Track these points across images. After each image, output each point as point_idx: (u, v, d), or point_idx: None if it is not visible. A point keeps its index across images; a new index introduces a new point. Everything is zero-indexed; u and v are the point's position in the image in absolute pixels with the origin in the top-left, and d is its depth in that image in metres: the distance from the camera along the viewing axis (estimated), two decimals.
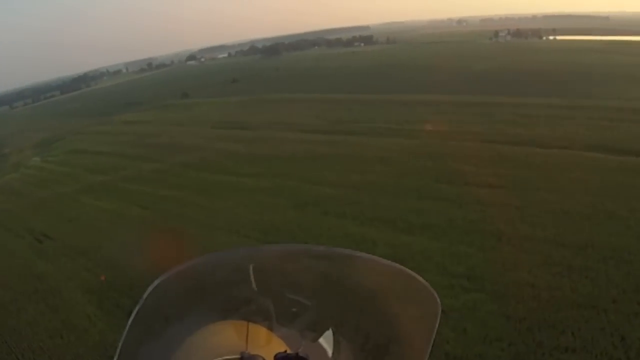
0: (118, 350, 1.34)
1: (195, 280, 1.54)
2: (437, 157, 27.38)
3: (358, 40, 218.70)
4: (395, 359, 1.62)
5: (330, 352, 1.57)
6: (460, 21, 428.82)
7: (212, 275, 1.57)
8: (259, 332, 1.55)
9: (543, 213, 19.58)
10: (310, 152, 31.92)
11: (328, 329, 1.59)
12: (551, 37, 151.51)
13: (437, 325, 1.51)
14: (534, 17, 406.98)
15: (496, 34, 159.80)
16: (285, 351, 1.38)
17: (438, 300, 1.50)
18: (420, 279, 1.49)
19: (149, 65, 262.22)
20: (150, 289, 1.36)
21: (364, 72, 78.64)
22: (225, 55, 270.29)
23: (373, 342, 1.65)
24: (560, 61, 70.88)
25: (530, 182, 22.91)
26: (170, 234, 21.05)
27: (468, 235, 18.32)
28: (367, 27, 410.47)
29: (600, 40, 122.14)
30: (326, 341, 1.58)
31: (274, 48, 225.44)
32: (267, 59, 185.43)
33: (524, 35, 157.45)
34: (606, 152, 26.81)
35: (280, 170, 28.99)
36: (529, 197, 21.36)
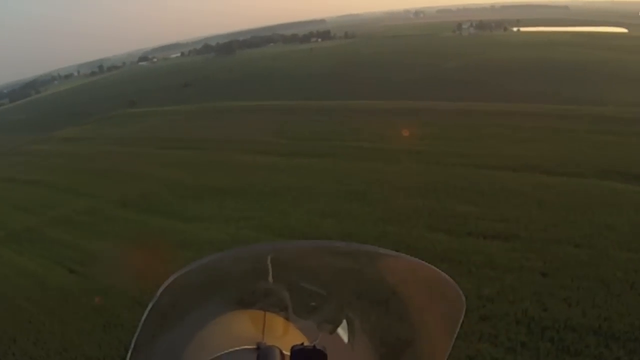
0: (133, 343, 1.35)
1: (210, 275, 1.51)
2: (426, 190, 22.91)
3: (315, 36, 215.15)
4: (415, 354, 1.60)
5: (347, 344, 1.55)
6: (417, 12, 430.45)
7: (228, 269, 1.55)
8: (276, 322, 1.54)
9: (580, 286, 15.18)
10: (270, 183, 27.02)
11: (346, 322, 1.57)
12: (515, 29, 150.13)
13: (460, 324, 1.48)
14: (492, 7, 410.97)
15: (459, 26, 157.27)
16: (302, 343, 1.31)
17: (463, 297, 1.47)
18: (445, 275, 1.46)
19: (100, 67, 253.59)
20: (164, 285, 1.36)
21: (325, 73, 74.10)
22: (178, 54, 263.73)
23: (392, 337, 1.63)
24: (533, 57, 68.06)
25: (549, 230, 18.64)
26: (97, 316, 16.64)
27: (487, 325, 13.75)
28: (323, 21, 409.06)
29: (567, 32, 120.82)
30: (344, 334, 1.56)
31: (228, 46, 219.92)
32: (221, 58, 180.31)
33: (488, 27, 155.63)
34: (625, 180, 22.98)
35: (234, 211, 24.00)
36: (552, 255, 17.06)
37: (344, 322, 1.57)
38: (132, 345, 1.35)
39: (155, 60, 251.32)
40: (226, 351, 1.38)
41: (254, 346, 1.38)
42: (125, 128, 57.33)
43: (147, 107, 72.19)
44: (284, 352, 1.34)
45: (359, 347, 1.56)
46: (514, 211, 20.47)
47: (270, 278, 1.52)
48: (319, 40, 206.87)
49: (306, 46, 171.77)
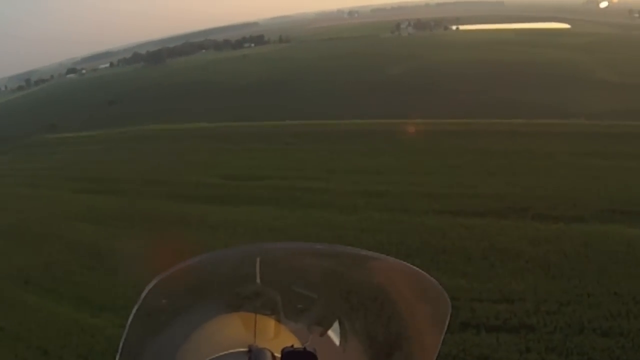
0: (120, 347, 1.36)
1: (198, 276, 1.53)
2: (397, 255, 18.08)
3: (248, 41, 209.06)
4: (404, 355, 1.62)
5: (338, 346, 1.59)
6: (351, 12, 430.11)
7: (216, 270, 1.57)
8: (267, 324, 1.56)
9: None
10: (200, 245, 21.65)
11: (336, 324, 1.60)
12: (455, 28, 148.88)
13: (446, 325, 1.51)
14: (427, 5, 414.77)
15: (398, 26, 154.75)
16: (293, 345, 1.36)
17: (448, 300, 1.50)
18: (430, 278, 1.48)
19: (27, 81, 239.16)
20: (149, 286, 1.36)
21: (261, 85, 68.88)
22: (107, 65, 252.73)
23: (381, 339, 1.65)
24: (482, 59, 65.27)
25: (566, 312, 14.52)
26: None
27: None
28: (256, 24, 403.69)
29: (509, 30, 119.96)
30: (334, 336, 1.59)
31: (158, 54, 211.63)
32: (150, 68, 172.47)
33: (427, 26, 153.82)
34: (634, 222, 19.28)
35: None
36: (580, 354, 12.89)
37: (335, 324, 1.59)
38: (120, 350, 1.34)
39: (84, 71, 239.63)
40: (218, 354, 1.40)
41: (246, 349, 1.41)
42: (40, 162, 49.70)
43: (66, 133, 65.21)
44: (275, 354, 1.37)
45: (349, 349, 1.59)
46: (516, 284, 16.15)
47: (259, 278, 1.52)
48: (253, 45, 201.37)
49: (240, 52, 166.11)
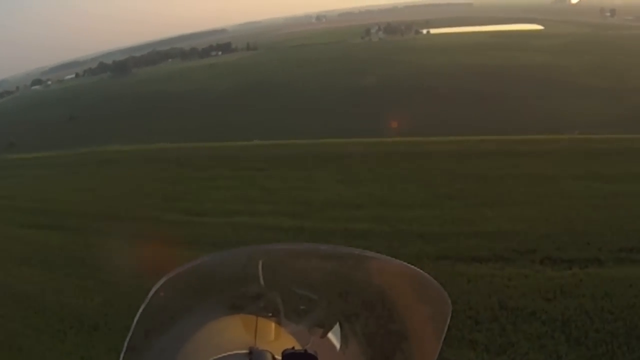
0: (125, 345, 1.41)
1: (202, 277, 1.58)
2: None
3: (215, 49, 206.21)
4: (404, 357, 1.66)
5: (339, 348, 1.62)
6: (319, 17, 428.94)
7: (219, 272, 1.62)
8: (268, 326, 1.60)
9: None
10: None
11: (336, 326, 1.63)
12: (425, 31, 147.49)
13: (446, 326, 1.55)
14: (395, 8, 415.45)
15: (368, 31, 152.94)
16: (293, 347, 1.39)
17: (448, 301, 1.54)
18: (431, 278, 1.53)
19: None
20: (157, 286, 1.41)
21: (227, 99, 65.90)
22: (73, 76, 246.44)
23: (381, 340, 1.69)
24: (459, 63, 63.26)
25: None
26: None
27: None
28: (224, 30, 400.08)
29: (482, 32, 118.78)
30: (335, 337, 1.62)
31: (124, 65, 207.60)
32: (116, 79, 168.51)
33: (398, 30, 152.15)
34: None
35: None
36: None
37: (335, 326, 1.62)
38: (125, 348, 1.39)
39: (49, 83, 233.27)
40: (218, 356, 1.43)
41: (246, 350, 1.44)
42: None
43: (24, 153, 61.60)
44: (276, 356, 1.40)
45: (349, 351, 1.62)
46: (534, 354, 13.39)
47: (261, 280, 1.56)
48: (220, 53, 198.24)
49: (207, 61, 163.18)
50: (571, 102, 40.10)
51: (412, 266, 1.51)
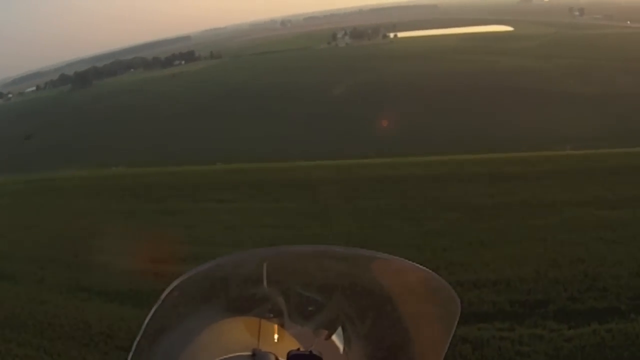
0: (134, 346, 1.43)
1: (212, 280, 1.60)
2: None
3: (178, 58, 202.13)
4: (410, 357, 1.68)
5: (343, 350, 1.63)
6: (284, 22, 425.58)
7: (226, 275, 1.62)
8: (272, 329, 1.62)
9: None
10: None
11: (341, 327, 1.64)
12: (392, 35, 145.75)
13: (455, 325, 1.56)
14: (360, 11, 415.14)
15: (334, 36, 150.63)
16: (298, 349, 1.43)
17: (458, 300, 1.55)
18: (439, 278, 1.55)
19: None
20: (169, 289, 1.45)
21: (188, 114, 62.43)
22: (34, 88, 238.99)
23: (388, 342, 1.70)
24: (434, 72, 60.93)
25: None
26: None
27: None
28: (188, 37, 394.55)
29: (450, 35, 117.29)
30: (339, 339, 1.63)
31: (85, 76, 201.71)
32: (76, 91, 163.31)
33: (365, 34, 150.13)
34: None
35: None
36: None
37: (340, 328, 1.63)
38: (133, 349, 1.41)
39: (10, 96, 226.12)
40: (222, 357, 1.45)
41: (250, 352, 1.45)
42: None
43: None
44: (280, 358, 1.42)
45: (354, 353, 1.63)
46: None
47: (265, 284, 1.58)
48: (183, 62, 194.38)
49: (170, 71, 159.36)
50: (556, 112, 38.06)
51: (420, 265, 1.51)
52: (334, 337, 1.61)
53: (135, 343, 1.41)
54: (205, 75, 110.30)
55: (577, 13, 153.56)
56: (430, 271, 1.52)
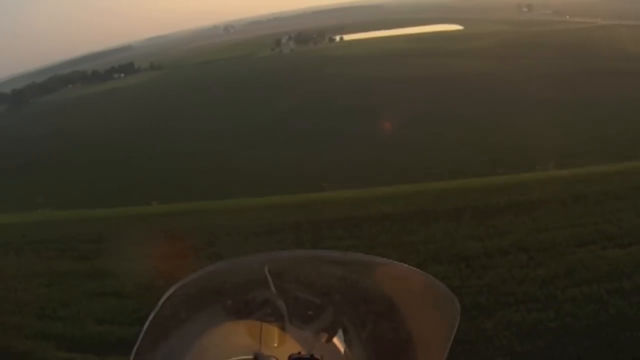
0: (134, 352, 1.43)
1: (211, 285, 1.63)
2: None
3: (117, 70, 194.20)
4: None
5: (344, 353, 1.64)
6: (227, 28, 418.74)
7: (226, 279, 1.66)
8: (273, 332, 1.62)
9: None
10: None
11: (342, 331, 1.65)
12: (338, 38, 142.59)
13: (454, 330, 1.57)
14: (305, 14, 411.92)
15: (278, 42, 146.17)
16: (299, 352, 1.44)
17: (458, 305, 1.57)
18: (440, 284, 1.56)
19: None
20: (167, 294, 1.47)
21: (122, 139, 57.01)
22: None
23: (388, 346, 1.71)
24: (382, 77, 57.63)
25: None
26: None
27: None
28: (129, 47, 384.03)
29: (398, 36, 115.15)
30: (340, 343, 1.64)
31: (22, 94, 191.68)
32: (13, 110, 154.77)
33: (309, 39, 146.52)
34: None
35: None
36: None
37: (340, 331, 1.64)
38: (133, 354, 1.42)
39: None
40: None
41: (251, 356, 1.46)
42: None
43: None
44: None
45: (355, 356, 1.65)
46: None
47: (267, 288, 1.60)
48: (122, 75, 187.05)
49: (109, 85, 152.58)
50: (524, 122, 35.06)
51: (419, 270, 1.53)
52: (335, 341, 1.60)
53: (135, 347, 1.39)
54: (142, 90, 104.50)
55: (525, 9, 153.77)
56: (430, 276, 1.54)
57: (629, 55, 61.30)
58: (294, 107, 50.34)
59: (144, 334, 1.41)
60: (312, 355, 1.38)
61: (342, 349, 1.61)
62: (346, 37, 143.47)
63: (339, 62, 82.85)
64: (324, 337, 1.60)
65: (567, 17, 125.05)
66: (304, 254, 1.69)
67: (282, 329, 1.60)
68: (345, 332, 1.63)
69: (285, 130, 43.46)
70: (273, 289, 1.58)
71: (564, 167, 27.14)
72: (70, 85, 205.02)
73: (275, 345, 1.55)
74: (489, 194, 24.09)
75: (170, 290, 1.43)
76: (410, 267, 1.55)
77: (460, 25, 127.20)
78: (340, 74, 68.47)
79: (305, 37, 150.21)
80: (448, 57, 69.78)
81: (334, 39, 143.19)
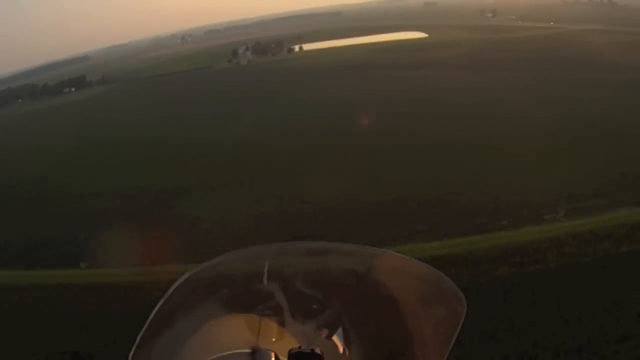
0: (137, 341, 1.42)
1: (217, 277, 1.59)
2: None
3: (69, 84, 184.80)
4: (412, 357, 1.64)
5: (345, 349, 1.60)
6: (184, 37, 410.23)
7: (228, 272, 1.62)
8: (271, 326, 1.60)
9: None
10: None
11: (343, 326, 1.62)
12: (297, 48, 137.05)
13: (459, 327, 1.53)
14: (262, 21, 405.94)
15: (235, 53, 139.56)
16: (300, 347, 1.42)
17: (464, 300, 1.53)
18: (446, 277, 1.52)
19: None
20: (174, 285, 1.45)
21: (62, 176, 49.63)
22: None
23: (390, 341, 1.67)
24: (347, 100, 52.17)
25: None
26: None
27: None
28: (86, 57, 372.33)
29: (362, 46, 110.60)
30: (340, 338, 1.61)
31: None
32: None
33: (268, 49, 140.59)
34: None
35: None
36: None
37: (341, 326, 1.60)
38: (136, 343, 1.41)
39: None
40: (221, 354, 1.44)
41: (249, 350, 1.44)
42: None
43: None
44: (280, 356, 1.42)
45: (356, 351, 1.60)
46: None
47: (268, 279, 1.56)
48: (73, 90, 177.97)
49: (59, 100, 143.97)
50: (517, 152, 30.05)
51: (428, 265, 1.49)
52: (335, 336, 1.56)
53: (137, 339, 1.38)
54: (90, 108, 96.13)
55: (489, 15, 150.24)
56: (438, 271, 1.50)
57: (611, 65, 57.26)
58: (248, 134, 44.32)
59: (149, 323, 1.39)
60: (312, 350, 1.34)
61: (342, 345, 1.56)
62: (306, 47, 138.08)
63: (298, 77, 77.06)
64: (324, 332, 1.55)
65: (552, 23, 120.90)
66: (312, 246, 1.63)
67: (282, 323, 1.56)
68: (346, 328, 1.57)
69: (241, 170, 37.59)
70: (274, 282, 1.52)
71: (576, 214, 22.25)
72: (20, 100, 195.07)
73: (274, 339, 1.51)
74: (499, 257, 18.89)
75: (181, 279, 1.41)
76: (418, 261, 1.50)
77: (424, 32, 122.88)
78: (298, 92, 62.68)
79: (263, 47, 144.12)
80: (416, 69, 64.72)
81: (293, 49, 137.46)
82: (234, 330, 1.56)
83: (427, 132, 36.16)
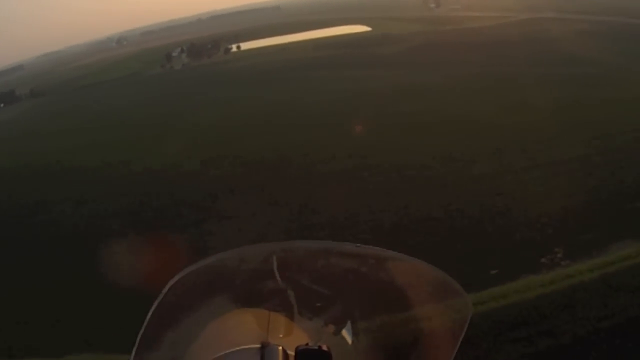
0: (138, 339, 1.44)
1: (218, 273, 1.61)
2: None
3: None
4: (419, 357, 1.65)
5: (352, 346, 1.61)
6: (120, 40, 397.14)
7: (235, 267, 1.64)
8: (281, 322, 1.61)
9: None
10: None
11: (351, 324, 1.63)
12: (235, 48, 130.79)
13: (465, 327, 1.54)
14: (199, 20, 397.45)
15: (169, 56, 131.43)
16: (307, 344, 1.41)
17: (470, 303, 1.57)
18: (454, 282, 1.54)
19: None
20: (171, 282, 1.47)
21: None
22: None
23: (397, 340, 1.70)
24: (289, 112, 46.72)
25: None
26: None
27: None
28: (21, 66, 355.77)
29: (304, 42, 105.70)
30: (348, 335, 1.62)
31: None
32: None
33: (204, 50, 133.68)
34: None
35: None
36: None
37: (349, 323, 1.61)
38: (137, 341, 1.41)
39: None
40: (231, 350, 1.44)
41: (258, 345, 1.45)
42: None
43: None
44: (289, 352, 1.42)
45: (363, 349, 1.62)
46: None
47: (275, 276, 1.58)
48: (2, 105, 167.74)
49: None
50: (504, 175, 25.67)
51: (433, 267, 1.52)
52: (343, 333, 1.57)
53: (139, 335, 1.39)
54: (17, 127, 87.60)
55: (433, 5, 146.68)
56: (444, 273, 1.52)
57: (576, 57, 53.24)
58: (188, 171, 38.46)
59: (149, 321, 1.38)
60: (319, 347, 1.34)
61: (350, 342, 1.56)
62: (244, 46, 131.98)
63: (235, 82, 71.15)
64: (332, 329, 1.57)
65: (486, 13, 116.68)
66: (316, 245, 1.63)
67: (291, 319, 1.58)
68: (354, 325, 1.58)
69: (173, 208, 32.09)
70: (282, 279, 1.54)
71: (578, 253, 18.03)
72: None
73: (282, 335, 1.52)
74: None
75: (176, 277, 1.41)
76: (424, 262, 1.52)
77: (367, 26, 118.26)
78: (235, 100, 56.84)
79: (199, 49, 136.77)
80: (363, 68, 59.72)
81: (230, 49, 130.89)
82: (243, 325, 1.54)
83: (387, 146, 31.38)
